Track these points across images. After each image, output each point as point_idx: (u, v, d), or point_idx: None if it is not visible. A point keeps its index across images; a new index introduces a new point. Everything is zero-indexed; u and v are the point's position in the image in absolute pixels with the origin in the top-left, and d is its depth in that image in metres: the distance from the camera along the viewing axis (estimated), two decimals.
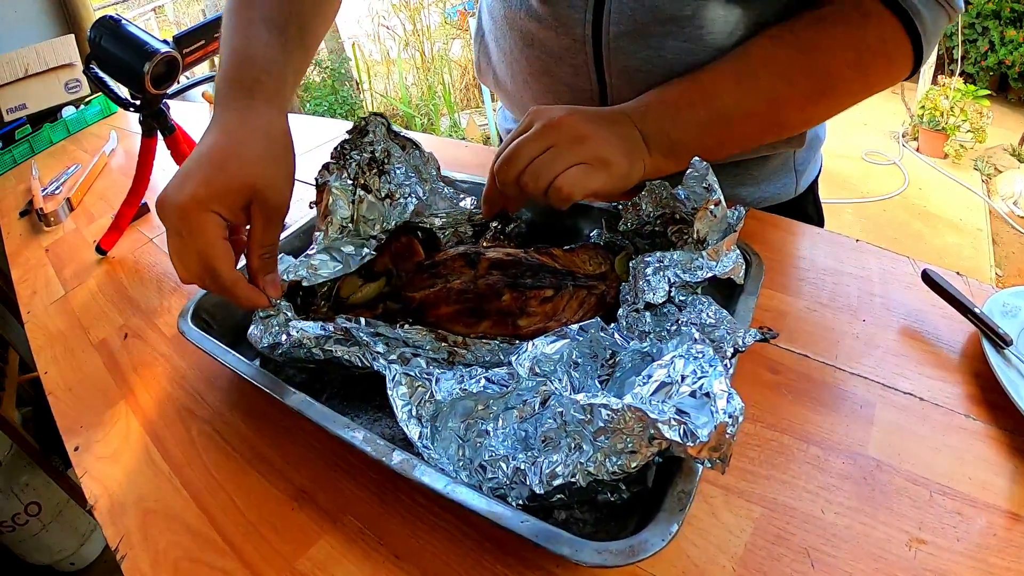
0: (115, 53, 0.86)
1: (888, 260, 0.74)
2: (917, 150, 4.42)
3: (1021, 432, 0.54)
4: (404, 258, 0.71)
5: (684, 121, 0.70)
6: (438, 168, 0.79)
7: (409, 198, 0.77)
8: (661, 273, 0.58)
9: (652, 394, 0.45)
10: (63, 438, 0.72)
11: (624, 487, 0.46)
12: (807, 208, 0.97)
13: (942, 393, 0.58)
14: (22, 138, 1.85)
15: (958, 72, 4.60)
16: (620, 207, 0.70)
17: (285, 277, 0.66)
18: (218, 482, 0.60)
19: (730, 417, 0.41)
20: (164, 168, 1.10)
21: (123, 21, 0.88)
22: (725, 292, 0.65)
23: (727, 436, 0.41)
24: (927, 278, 0.67)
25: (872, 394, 0.58)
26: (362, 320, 0.62)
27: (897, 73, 0.69)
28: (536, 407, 0.50)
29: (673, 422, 0.41)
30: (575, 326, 0.55)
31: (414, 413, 0.51)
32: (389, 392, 0.51)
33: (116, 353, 0.84)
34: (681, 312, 0.56)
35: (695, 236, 0.60)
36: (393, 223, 0.75)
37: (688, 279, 0.57)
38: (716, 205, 0.59)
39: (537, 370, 0.52)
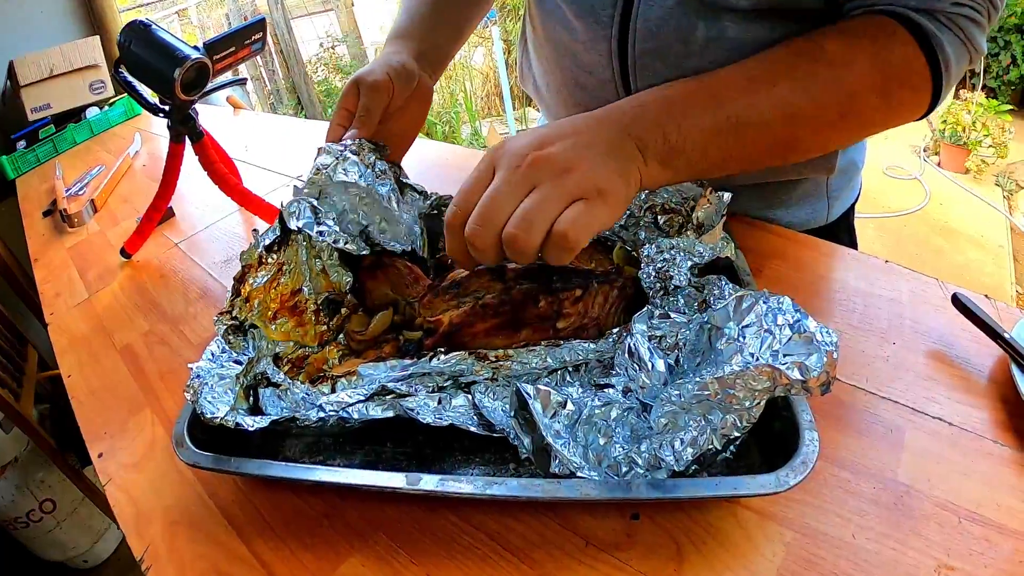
0: (145, 58, 0.86)
1: (917, 282, 0.72)
2: (938, 165, 4.38)
3: None
4: (408, 284, 0.70)
5: (688, 126, 0.59)
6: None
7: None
8: (679, 258, 0.61)
9: (761, 348, 0.48)
10: (87, 444, 0.72)
11: (737, 440, 0.50)
12: (840, 236, 0.93)
13: (971, 418, 0.57)
14: (46, 138, 1.88)
15: (980, 86, 4.56)
16: None
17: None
18: (246, 495, 0.60)
19: (832, 345, 0.46)
20: (191, 174, 1.10)
21: (153, 26, 0.88)
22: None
23: (835, 360, 0.45)
24: (957, 302, 0.66)
25: (902, 418, 0.57)
26: (386, 364, 0.62)
27: (916, 109, 0.64)
28: (634, 403, 0.54)
29: (792, 365, 0.46)
30: (638, 324, 0.57)
31: (553, 426, 0.51)
32: (530, 403, 0.51)
33: (141, 359, 0.83)
34: (702, 292, 0.59)
35: (695, 222, 0.65)
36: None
37: (698, 262, 0.61)
38: (712, 193, 0.65)
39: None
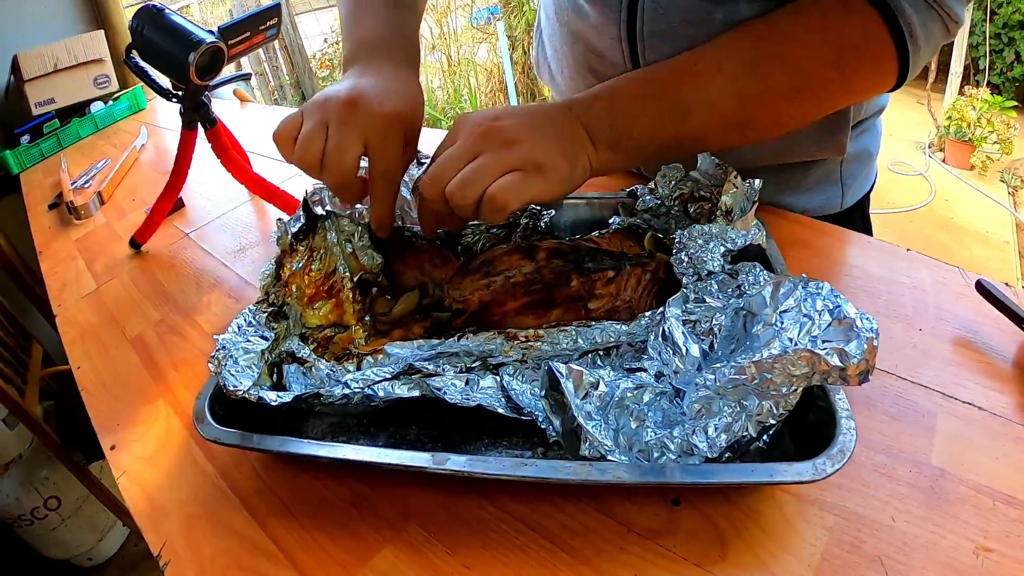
0: (158, 43, 0.85)
1: (939, 269, 0.73)
2: (943, 161, 4.37)
3: None
4: (437, 266, 0.70)
5: (634, 113, 0.66)
6: None
7: None
8: (711, 244, 0.61)
9: (799, 334, 0.47)
10: (99, 436, 0.70)
11: (771, 429, 0.49)
12: (855, 224, 0.92)
13: (999, 403, 0.57)
14: (50, 132, 1.86)
15: (985, 83, 4.55)
16: (637, 190, 0.74)
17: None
18: (268, 486, 0.58)
19: (872, 332, 0.45)
20: (203, 163, 1.09)
21: (166, 10, 0.87)
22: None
23: (875, 347, 0.44)
24: (981, 288, 0.66)
25: (932, 403, 0.57)
26: (414, 343, 0.61)
27: (883, 78, 0.64)
28: (667, 387, 0.53)
29: (831, 351, 0.44)
30: (672, 308, 0.56)
31: (584, 407, 0.50)
32: (562, 383, 0.50)
33: (153, 349, 0.82)
34: (736, 278, 0.58)
35: (723, 209, 0.65)
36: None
37: (731, 248, 0.61)
38: (736, 177, 0.65)
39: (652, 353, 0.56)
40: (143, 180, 1.45)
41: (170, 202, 1.06)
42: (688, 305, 0.57)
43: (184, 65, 0.83)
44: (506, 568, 0.49)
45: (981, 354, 0.62)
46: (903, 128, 4.70)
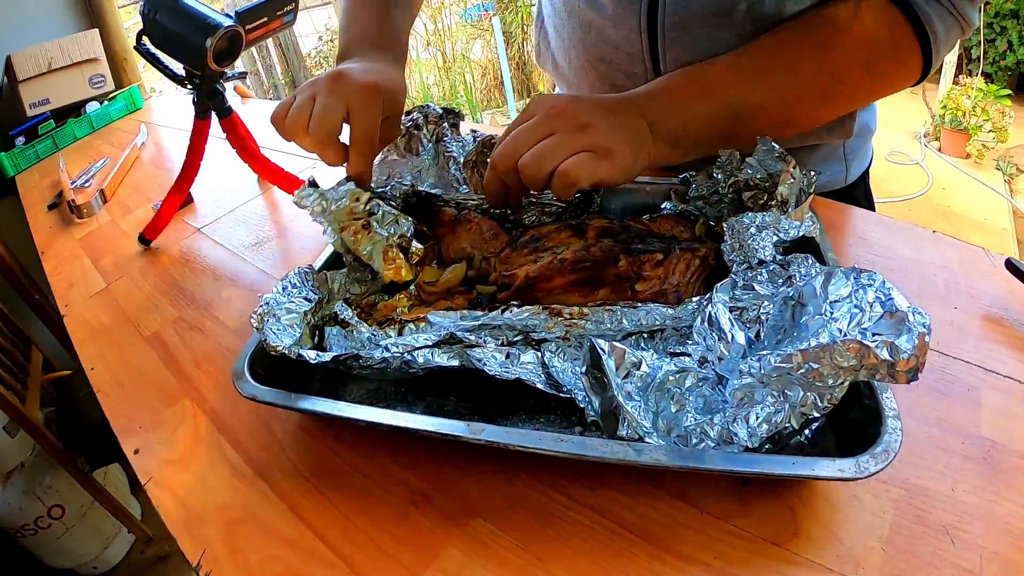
0: (173, 28, 0.82)
1: (965, 251, 0.74)
2: (939, 150, 4.39)
3: None
4: (487, 240, 0.69)
5: (691, 113, 0.71)
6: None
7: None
8: (763, 232, 0.60)
9: (849, 325, 0.46)
10: (120, 440, 0.67)
11: (813, 424, 0.49)
12: (859, 198, 0.97)
13: None
14: (45, 133, 1.83)
15: (978, 72, 4.56)
16: (692, 176, 0.74)
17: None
18: (315, 486, 0.55)
19: (925, 327, 0.43)
20: (216, 154, 1.05)
21: None
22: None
23: (926, 343, 0.42)
24: (1011, 266, 0.68)
25: (975, 378, 0.58)
26: (457, 314, 0.60)
27: (905, 79, 0.70)
28: (710, 373, 0.51)
29: (881, 344, 0.43)
30: (720, 293, 0.55)
31: (625, 386, 0.49)
32: (604, 360, 0.49)
33: (172, 347, 0.79)
34: (787, 269, 0.57)
35: (779, 199, 0.65)
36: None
37: (783, 238, 0.60)
38: (795, 167, 0.64)
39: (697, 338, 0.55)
40: (145, 177, 1.42)
41: (182, 195, 1.03)
42: (736, 292, 0.56)
43: (201, 50, 0.80)
44: (582, 557, 0.47)
45: (1013, 330, 0.63)
46: (899, 118, 4.71)
